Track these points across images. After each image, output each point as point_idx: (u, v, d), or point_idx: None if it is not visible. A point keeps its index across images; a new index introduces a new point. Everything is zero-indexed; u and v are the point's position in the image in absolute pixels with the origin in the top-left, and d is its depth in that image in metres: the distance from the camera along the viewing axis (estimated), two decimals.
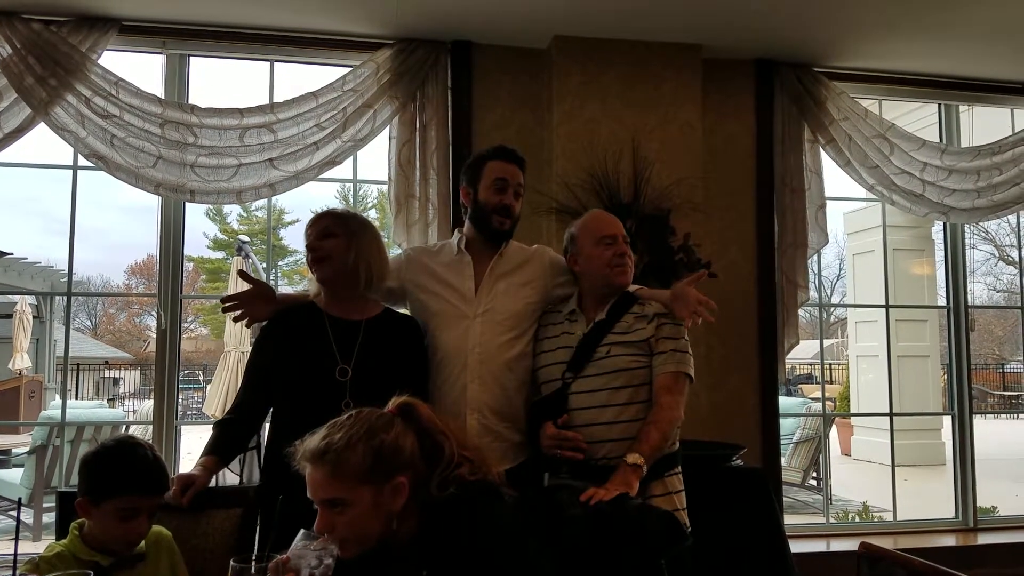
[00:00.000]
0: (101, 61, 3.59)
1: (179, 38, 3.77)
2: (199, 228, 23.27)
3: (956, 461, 4.61)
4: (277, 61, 3.98)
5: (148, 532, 1.74)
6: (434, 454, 1.55)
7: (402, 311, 2.49)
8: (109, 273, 35.57)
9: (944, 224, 4.65)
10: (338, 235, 2.22)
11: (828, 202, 4.22)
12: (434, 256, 2.52)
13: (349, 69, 3.75)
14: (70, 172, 3.83)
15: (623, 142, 3.82)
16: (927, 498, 5.73)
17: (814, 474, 6.69)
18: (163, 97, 3.70)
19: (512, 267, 2.46)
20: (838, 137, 4.16)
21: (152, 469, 1.72)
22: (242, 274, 2.50)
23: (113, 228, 34.62)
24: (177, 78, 3.87)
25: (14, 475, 5.87)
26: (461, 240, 2.48)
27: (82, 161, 3.67)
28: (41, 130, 3.53)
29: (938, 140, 4.70)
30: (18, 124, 3.50)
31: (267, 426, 2.31)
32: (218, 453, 2.13)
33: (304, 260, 2.39)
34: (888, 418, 4.94)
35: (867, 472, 8.33)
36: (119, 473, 1.69)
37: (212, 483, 2.09)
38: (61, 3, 3.48)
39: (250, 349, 2.36)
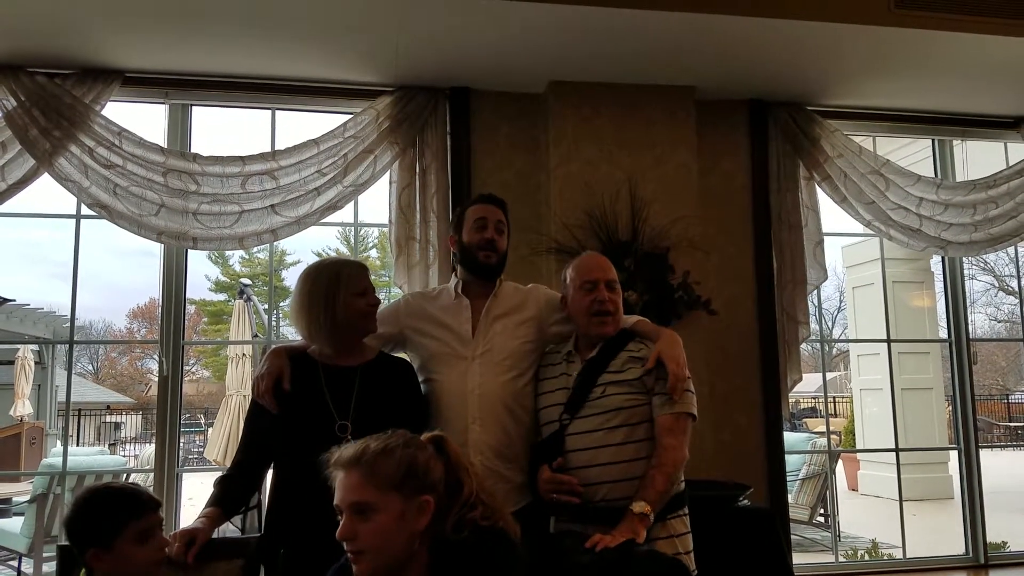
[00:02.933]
0: (104, 112, 3.65)
1: (181, 88, 3.83)
2: (201, 271, 23.42)
3: (964, 495, 4.57)
4: (279, 109, 4.03)
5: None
6: (455, 489, 1.56)
7: (399, 355, 2.50)
8: (111, 317, 35.59)
9: (943, 256, 4.67)
10: None
11: (826, 236, 4.25)
12: (432, 300, 2.54)
13: (350, 116, 3.81)
14: (71, 218, 3.86)
15: (620, 183, 3.86)
16: (936, 533, 5.67)
17: (821, 510, 6.61)
18: (166, 146, 3.75)
19: (508, 307, 2.48)
20: (833, 174, 4.20)
21: (139, 489, 1.84)
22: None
23: (115, 272, 34.69)
24: (180, 127, 3.93)
25: (14, 524, 5.81)
26: (458, 284, 2.51)
27: (85, 210, 3.71)
28: (44, 179, 3.57)
29: (933, 174, 4.74)
30: (22, 175, 3.54)
31: (268, 480, 2.30)
32: (221, 506, 2.12)
33: None
34: (894, 453, 4.91)
35: (875, 507, 8.24)
36: (121, 503, 1.76)
37: (214, 534, 2.08)
38: (66, 56, 3.55)
39: (249, 396, 2.35)
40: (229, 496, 2.17)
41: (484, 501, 1.57)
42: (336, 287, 2.19)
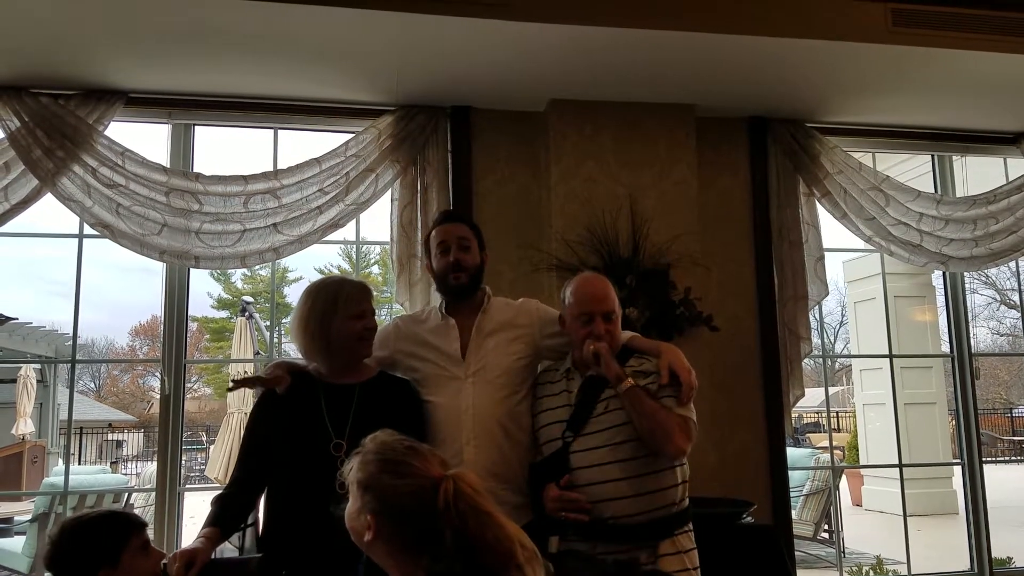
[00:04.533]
0: (108, 132, 3.66)
1: (184, 108, 3.85)
2: (203, 288, 23.43)
3: (968, 510, 4.55)
4: (281, 129, 4.05)
5: None
6: (457, 530, 1.38)
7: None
8: (113, 335, 35.62)
9: (944, 271, 4.67)
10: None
11: (827, 252, 4.25)
12: (421, 323, 2.54)
13: (351, 135, 3.83)
14: (74, 237, 3.87)
15: (620, 199, 3.87)
16: (941, 549, 5.63)
17: (825, 526, 6.58)
18: (168, 166, 3.76)
19: (499, 323, 2.47)
20: (833, 190, 4.21)
21: (123, 509, 1.86)
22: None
23: (116, 289, 34.72)
24: (182, 147, 3.94)
25: (16, 544, 5.80)
26: (442, 304, 2.52)
27: (87, 229, 3.72)
28: (46, 198, 3.58)
29: (933, 190, 4.75)
30: (25, 195, 3.55)
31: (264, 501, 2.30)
32: (219, 525, 2.11)
33: None
34: (898, 468, 4.90)
35: (879, 523, 8.20)
36: (117, 521, 1.82)
37: (213, 554, 2.07)
38: (69, 77, 3.57)
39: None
40: (227, 515, 2.16)
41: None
42: (333, 308, 2.21)
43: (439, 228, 2.53)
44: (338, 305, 2.21)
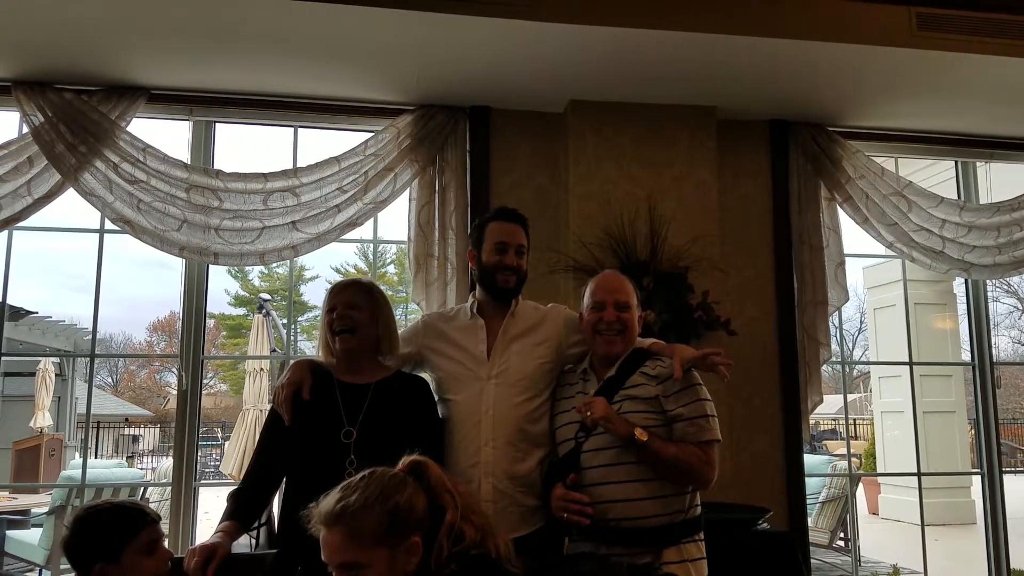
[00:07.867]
0: (130, 128, 3.69)
1: (206, 106, 3.87)
2: (221, 285, 23.57)
3: (987, 521, 4.49)
4: (301, 127, 4.07)
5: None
6: (438, 516, 1.52)
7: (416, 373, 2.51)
8: (131, 330, 35.88)
9: (966, 278, 4.62)
10: (363, 308, 2.27)
11: (847, 257, 4.21)
12: (449, 321, 2.55)
13: (371, 134, 3.84)
14: (95, 232, 3.89)
15: (639, 201, 3.86)
16: (959, 559, 5.58)
17: (841, 534, 6.52)
18: (189, 162, 3.78)
19: (526, 327, 2.47)
20: (855, 195, 4.17)
21: (139, 503, 1.87)
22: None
23: (135, 284, 35.00)
24: (203, 144, 3.96)
25: (33, 536, 5.85)
26: (474, 304, 2.51)
27: (108, 224, 3.75)
28: (67, 193, 3.61)
29: (956, 195, 4.69)
30: (48, 190, 3.59)
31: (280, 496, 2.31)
32: (237, 519, 2.12)
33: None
34: (916, 477, 4.84)
35: (896, 532, 8.12)
36: (126, 516, 1.79)
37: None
38: (92, 73, 3.60)
39: (266, 411, 2.38)
40: (244, 509, 2.18)
41: (473, 522, 1.53)
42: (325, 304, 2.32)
43: (501, 226, 2.48)
44: (326, 301, 2.32)
